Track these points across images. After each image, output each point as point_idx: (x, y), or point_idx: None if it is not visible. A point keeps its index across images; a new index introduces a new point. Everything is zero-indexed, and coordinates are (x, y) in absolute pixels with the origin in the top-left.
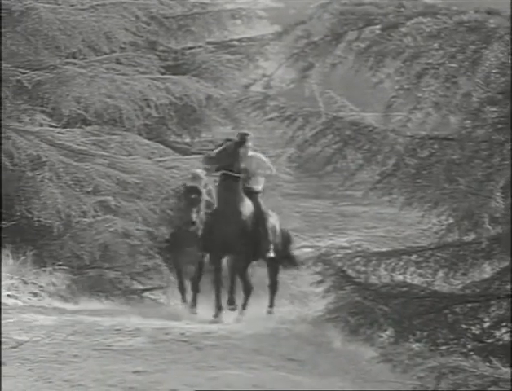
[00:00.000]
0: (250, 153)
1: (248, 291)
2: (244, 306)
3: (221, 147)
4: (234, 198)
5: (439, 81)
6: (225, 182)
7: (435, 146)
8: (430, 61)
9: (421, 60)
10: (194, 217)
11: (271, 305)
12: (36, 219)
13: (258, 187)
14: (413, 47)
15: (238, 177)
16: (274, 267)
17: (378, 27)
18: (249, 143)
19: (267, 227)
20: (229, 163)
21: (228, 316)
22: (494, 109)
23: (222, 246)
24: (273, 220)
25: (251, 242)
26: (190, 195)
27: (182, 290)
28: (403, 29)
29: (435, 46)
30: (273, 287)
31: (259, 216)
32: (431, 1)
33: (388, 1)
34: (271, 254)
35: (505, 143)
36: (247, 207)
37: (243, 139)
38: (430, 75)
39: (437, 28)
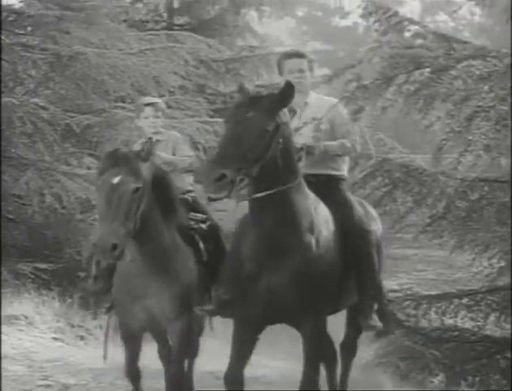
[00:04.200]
0: (323, 101)
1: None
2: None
3: None
4: (287, 204)
5: (490, 123)
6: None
7: (486, 188)
8: (480, 104)
9: (472, 103)
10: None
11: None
12: (84, 262)
13: (340, 171)
14: (463, 90)
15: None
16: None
17: (428, 70)
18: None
19: (371, 256)
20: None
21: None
22: None
23: (269, 305)
24: (376, 228)
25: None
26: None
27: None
28: (453, 72)
29: (486, 88)
30: (351, 350)
31: (352, 229)
32: (481, 43)
33: (438, 44)
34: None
35: None
36: (320, 216)
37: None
38: (480, 118)
39: (487, 71)
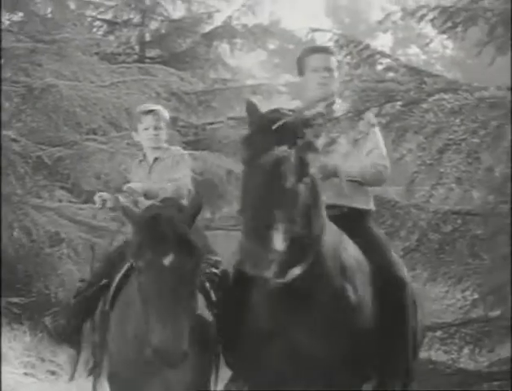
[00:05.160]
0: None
1: None
2: None
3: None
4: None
5: (461, 156)
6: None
7: (458, 221)
8: (451, 137)
9: (443, 136)
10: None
11: None
12: (53, 296)
13: (365, 205)
14: (435, 123)
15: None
16: None
17: (400, 103)
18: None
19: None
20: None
21: None
22: None
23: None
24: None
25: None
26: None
27: None
28: (424, 105)
29: (457, 121)
30: None
31: (387, 277)
32: (453, 76)
33: (409, 77)
34: None
35: None
36: (351, 256)
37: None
38: (452, 150)
39: (458, 105)
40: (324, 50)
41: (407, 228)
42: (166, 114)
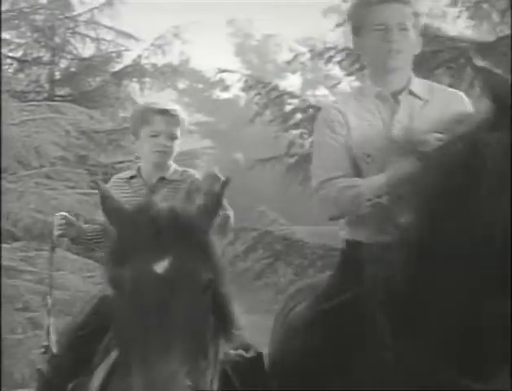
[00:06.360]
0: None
1: None
2: None
3: None
4: None
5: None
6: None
7: None
8: None
9: None
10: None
11: None
12: None
13: None
14: None
15: None
16: None
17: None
18: None
19: None
20: None
21: None
22: None
23: None
24: None
25: None
26: None
27: None
28: None
29: None
30: None
31: None
32: None
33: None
34: None
35: None
36: None
37: None
38: None
39: None
40: None
41: (315, 268)
42: (185, 119)
